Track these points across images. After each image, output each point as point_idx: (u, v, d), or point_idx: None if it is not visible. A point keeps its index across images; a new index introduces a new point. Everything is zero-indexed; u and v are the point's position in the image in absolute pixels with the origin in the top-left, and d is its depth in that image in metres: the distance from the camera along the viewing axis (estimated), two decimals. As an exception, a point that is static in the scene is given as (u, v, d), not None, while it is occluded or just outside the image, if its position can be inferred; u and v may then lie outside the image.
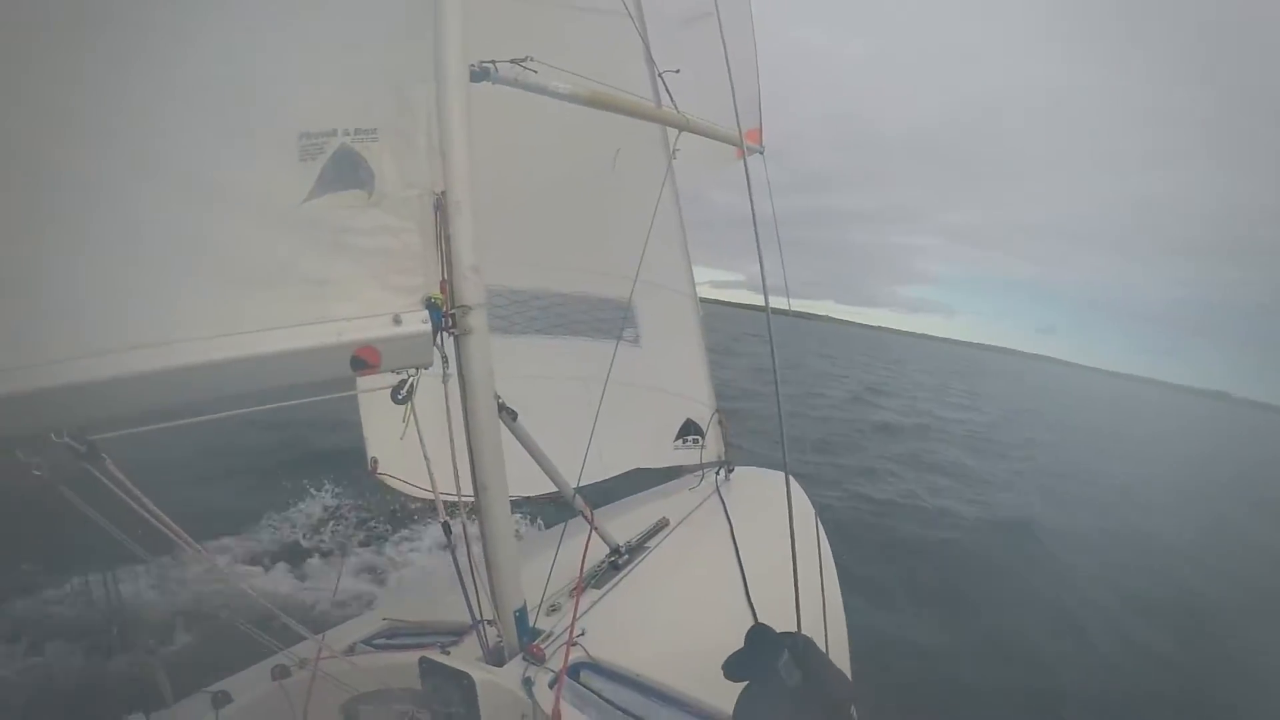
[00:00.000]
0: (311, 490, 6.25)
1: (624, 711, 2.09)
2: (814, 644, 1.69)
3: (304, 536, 5.63)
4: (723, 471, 4.43)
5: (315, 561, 5.08)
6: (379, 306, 1.79)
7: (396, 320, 1.78)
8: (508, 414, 2.26)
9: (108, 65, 1.43)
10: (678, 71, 3.45)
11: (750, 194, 3.48)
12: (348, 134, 1.74)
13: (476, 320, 1.95)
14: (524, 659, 2.13)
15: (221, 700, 2.07)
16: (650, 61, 3.51)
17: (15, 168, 1.33)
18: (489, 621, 2.17)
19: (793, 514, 3.97)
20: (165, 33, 1.51)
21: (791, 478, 4.57)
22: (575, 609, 2.40)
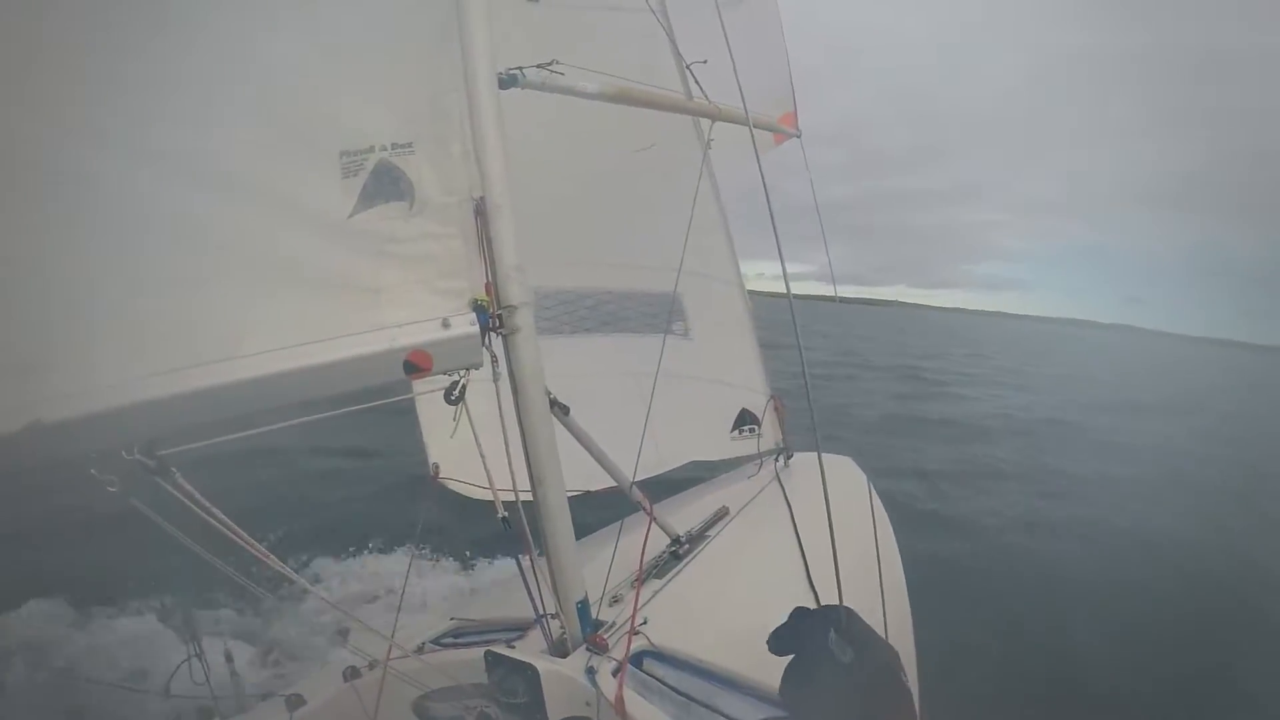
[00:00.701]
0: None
1: (687, 697, 2.11)
2: (855, 615, 1.70)
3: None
4: (781, 458, 4.42)
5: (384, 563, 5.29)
6: (428, 311, 1.85)
7: (445, 324, 1.84)
8: (559, 409, 2.30)
9: (164, 83, 1.52)
10: (705, 62, 3.45)
11: (811, 183, 3.46)
12: (385, 149, 1.81)
13: (523, 319, 2.00)
14: (587, 649, 2.15)
15: (295, 703, 2.15)
16: (677, 54, 3.52)
17: (80, 192, 1.41)
18: (552, 615, 2.20)
19: (859, 500, 3.94)
20: (213, 53, 1.59)
21: (852, 461, 4.53)
22: (636, 598, 2.42)
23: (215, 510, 1.54)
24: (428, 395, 2.06)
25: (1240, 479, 12.35)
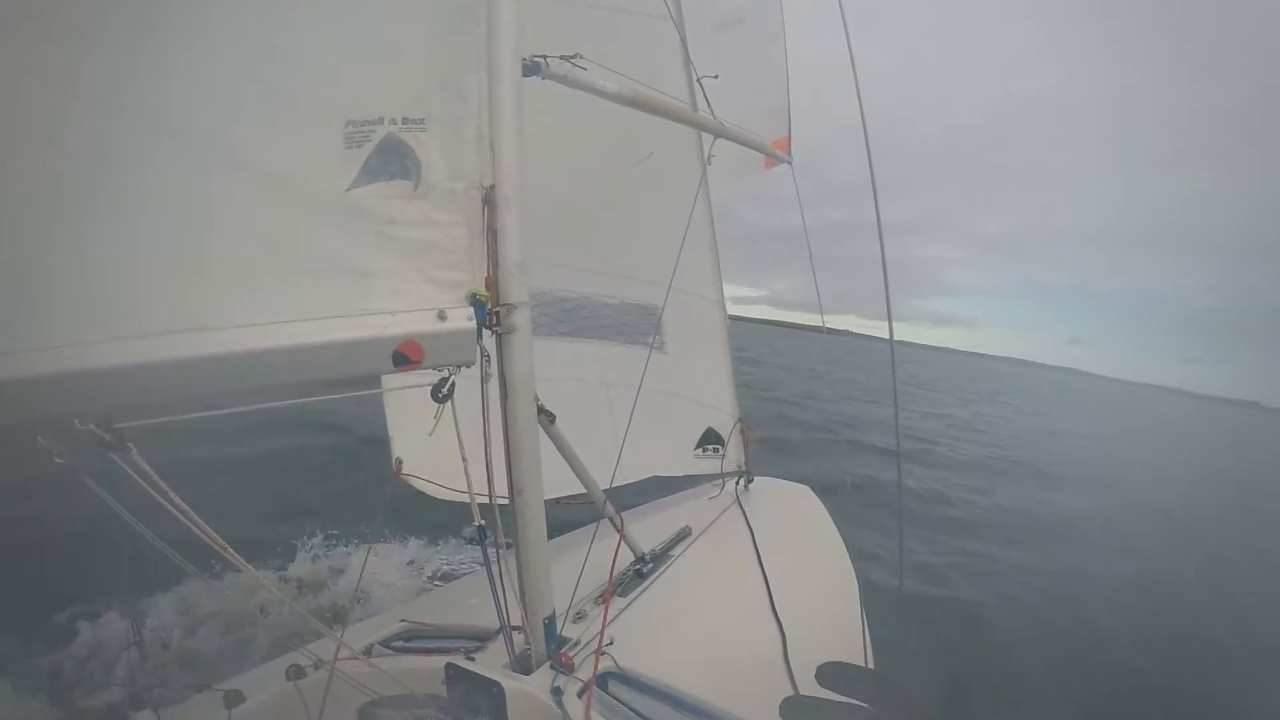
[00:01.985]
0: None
1: None
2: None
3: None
4: (742, 481, 4.40)
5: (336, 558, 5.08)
6: (422, 301, 1.74)
7: (441, 316, 1.72)
8: (546, 416, 2.21)
9: (155, 42, 1.40)
10: (716, 77, 3.41)
11: (801, 209, 3.45)
12: (395, 123, 1.70)
13: (521, 319, 1.90)
14: (552, 667, 2.08)
15: (234, 699, 2.01)
16: (689, 65, 3.47)
17: (47, 138, 1.29)
18: (515, 628, 2.11)
19: (818, 527, 3.96)
20: (212, 10, 1.47)
21: (810, 490, 4.57)
22: (605, 616, 2.35)
23: (172, 494, 1.41)
24: (395, 389, 1.96)
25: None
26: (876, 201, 2.70)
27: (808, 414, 17.23)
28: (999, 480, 13.36)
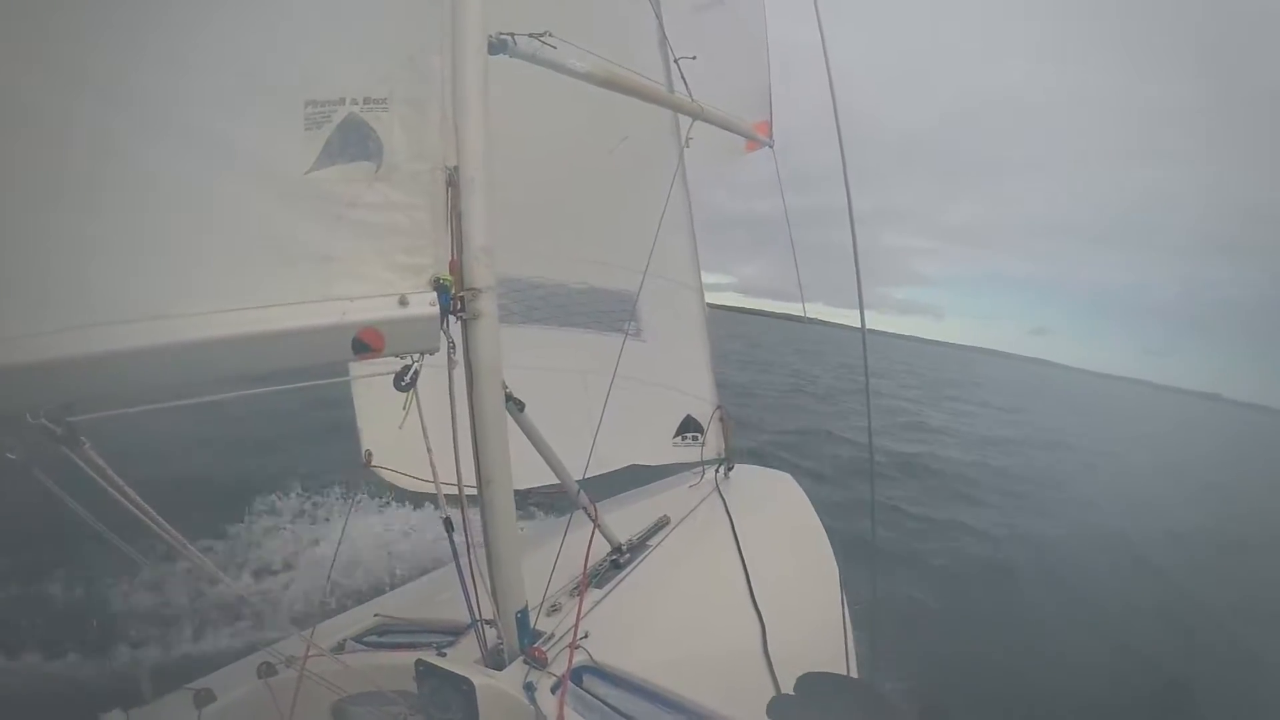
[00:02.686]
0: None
1: (629, 718, 2.01)
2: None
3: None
4: (722, 469, 4.37)
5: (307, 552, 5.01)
6: (384, 286, 1.69)
7: (403, 301, 1.68)
8: (515, 404, 2.17)
9: (109, 19, 1.35)
10: (694, 58, 3.36)
11: (783, 195, 3.41)
12: (356, 103, 1.64)
13: (486, 304, 1.85)
14: (525, 662, 2.04)
15: (205, 698, 1.97)
16: (666, 45, 3.41)
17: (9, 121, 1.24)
18: (488, 622, 2.07)
19: (799, 515, 3.94)
20: None
21: (791, 478, 4.56)
22: (579, 609, 2.31)
23: (128, 489, 1.38)
24: (364, 379, 1.92)
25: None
26: (849, 194, 2.67)
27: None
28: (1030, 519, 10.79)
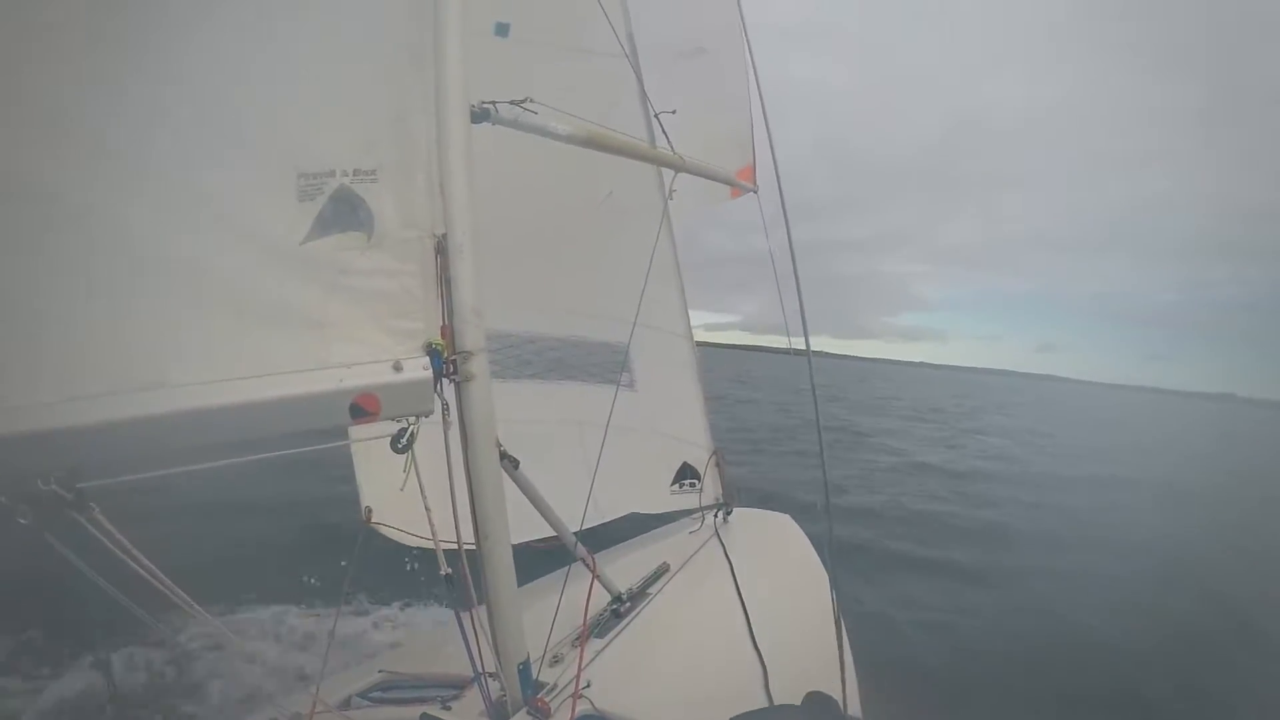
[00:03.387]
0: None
1: None
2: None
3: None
4: (721, 513, 4.37)
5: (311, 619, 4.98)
6: (378, 351, 1.74)
7: (397, 367, 1.72)
8: (509, 462, 2.20)
9: (106, 87, 1.41)
10: (674, 112, 3.44)
11: (766, 233, 3.47)
12: (346, 174, 1.71)
13: (478, 366, 1.89)
14: (528, 713, 2.05)
15: None
16: (646, 102, 3.50)
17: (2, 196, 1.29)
18: (491, 674, 2.08)
19: (799, 557, 3.94)
20: (162, 66, 1.48)
21: (790, 519, 4.55)
22: (581, 660, 2.32)
23: (137, 553, 1.41)
24: (362, 440, 1.96)
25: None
26: (787, 219, 2.72)
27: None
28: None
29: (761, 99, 3.67)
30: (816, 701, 2.13)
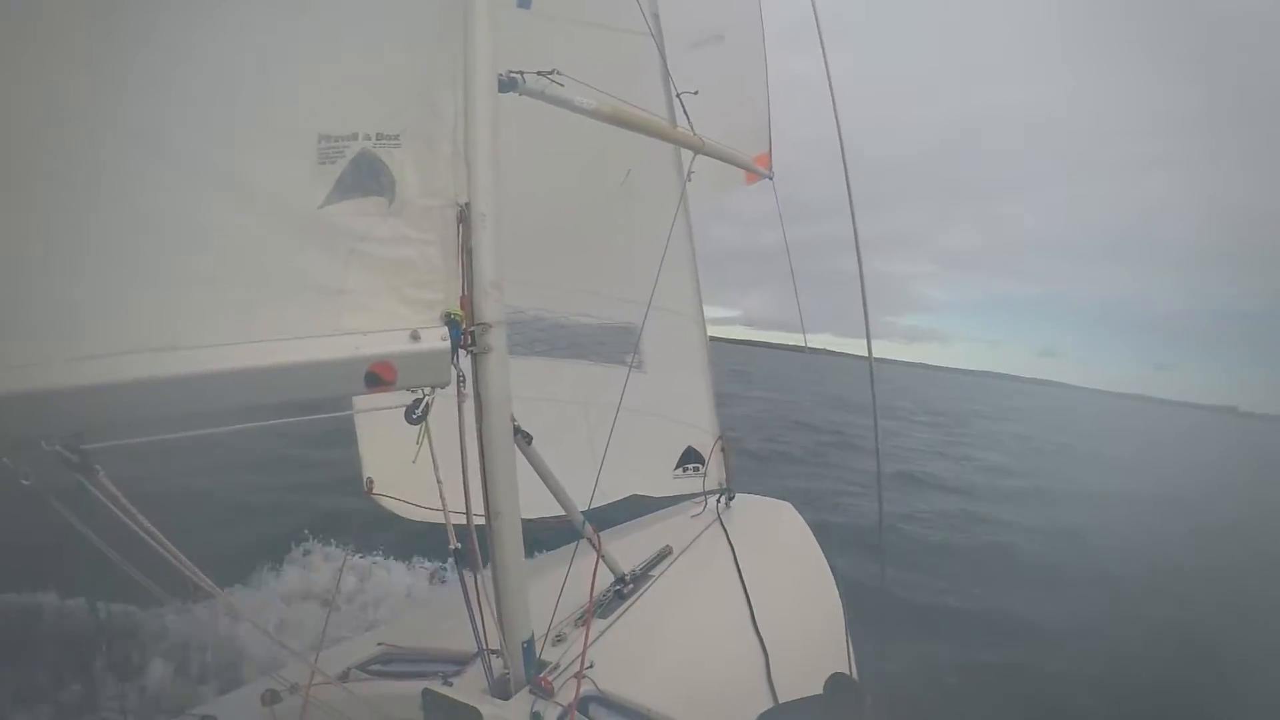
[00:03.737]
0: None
1: None
2: None
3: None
4: (723, 499, 4.37)
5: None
6: (395, 320, 1.71)
7: (415, 336, 1.69)
8: (523, 437, 2.17)
9: (122, 52, 1.37)
10: (696, 93, 3.40)
11: (783, 225, 3.44)
12: (369, 138, 1.67)
13: (496, 339, 1.86)
14: (531, 692, 2.04)
15: None
16: (669, 81, 3.46)
17: (17, 154, 1.26)
18: (494, 651, 2.07)
19: (800, 544, 3.95)
20: (183, 23, 1.45)
21: (791, 507, 4.56)
22: (586, 640, 2.31)
23: (140, 517, 1.37)
24: (364, 403, 1.94)
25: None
26: (855, 225, 2.70)
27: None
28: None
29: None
30: (840, 685, 2.13)
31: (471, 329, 1.81)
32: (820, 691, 2.18)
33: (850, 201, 2.84)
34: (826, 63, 2.91)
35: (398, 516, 3.14)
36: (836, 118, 2.89)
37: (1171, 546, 11.41)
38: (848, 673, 2.79)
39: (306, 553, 5.50)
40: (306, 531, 5.69)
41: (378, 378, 1.61)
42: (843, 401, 26.55)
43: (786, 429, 18.66)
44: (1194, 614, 7.89)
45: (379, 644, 2.57)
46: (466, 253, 1.82)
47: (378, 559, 5.35)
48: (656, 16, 3.43)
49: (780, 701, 2.54)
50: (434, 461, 1.76)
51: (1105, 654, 6.33)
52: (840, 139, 2.89)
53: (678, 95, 3.41)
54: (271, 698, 2.07)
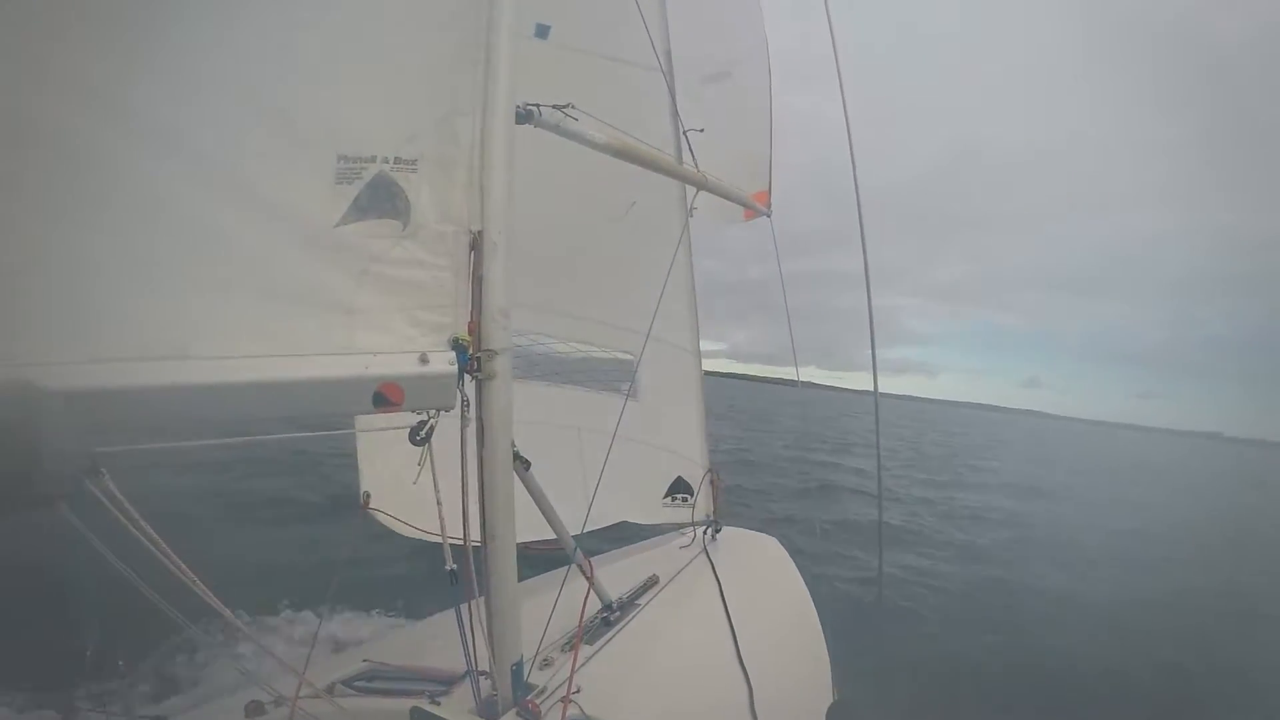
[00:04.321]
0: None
1: None
2: None
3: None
4: (710, 530, 4.38)
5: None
6: (403, 341, 1.74)
7: (423, 359, 1.72)
8: (521, 464, 2.19)
9: (145, 53, 1.38)
10: (701, 130, 3.47)
11: (779, 262, 3.49)
12: (387, 161, 1.71)
13: (501, 365, 1.88)
14: (518, 715, 2.05)
15: None
16: (676, 118, 3.53)
17: (36, 150, 1.27)
18: (482, 672, 2.08)
19: (784, 579, 3.97)
20: (207, 29, 1.47)
21: (777, 541, 4.58)
22: (574, 664, 2.32)
23: (143, 523, 1.36)
24: (365, 421, 1.94)
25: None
26: (866, 258, 2.75)
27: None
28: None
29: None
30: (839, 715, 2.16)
31: (478, 355, 1.83)
32: None
33: (863, 237, 2.89)
34: (845, 102, 2.96)
35: (387, 534, 3.13)
36: (852, 154, 2.94)
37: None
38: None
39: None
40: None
41: (385, 398, 1.63)
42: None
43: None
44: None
45: (365, 660, 2.56)
46: (477, 280, 1.84)
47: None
48: (669, 54, 3.50)
49: None
50: (435, 483, 1.77)
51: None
52: (855, 179, 2.94)
53: (684, 132, 3.47)
54: (255, 709, 2.07)
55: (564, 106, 2.29)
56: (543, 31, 3.13)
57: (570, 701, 2.14)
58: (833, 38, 3.05)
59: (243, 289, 1.53)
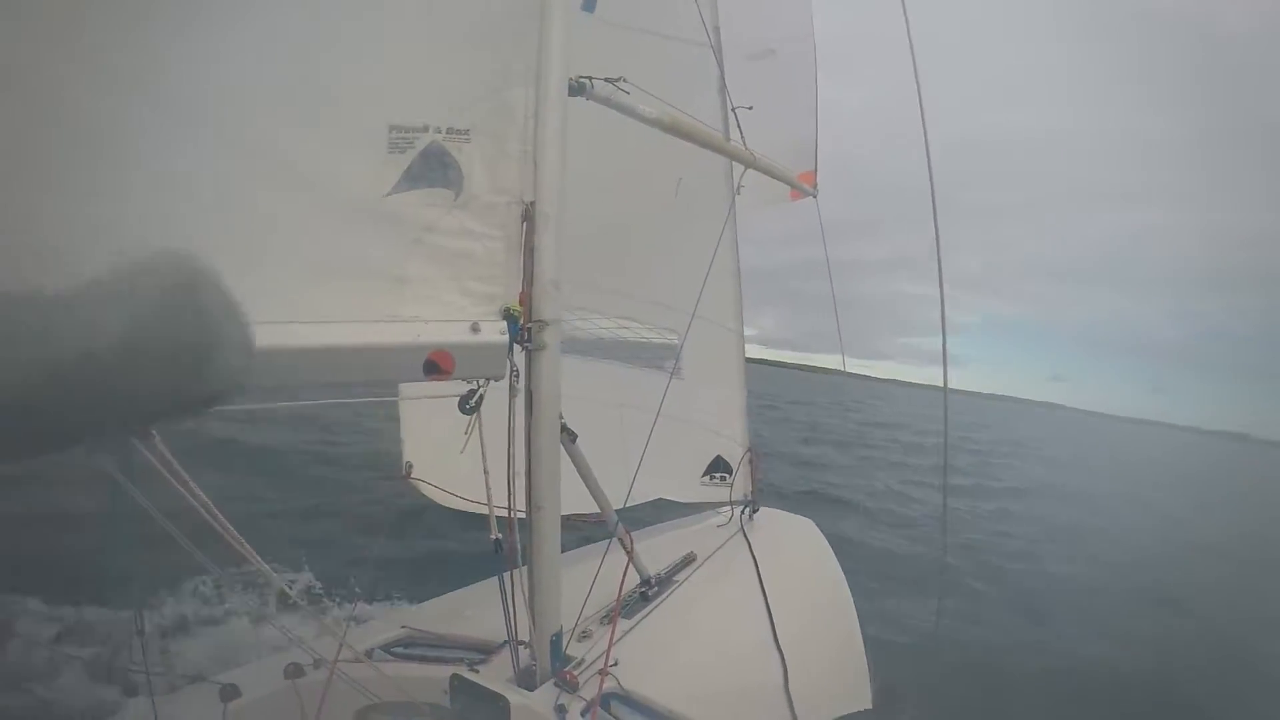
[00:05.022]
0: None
1: None
2: None
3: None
4: (747, 510, 4.36)
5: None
6: (454, 311, 1.75)
7: (475, 328, 1.73)
8: (568, 435, 2.20)
9: (196, 38, 1.37)
10: (750, 108, 3.42)
11: (824, 243, 3.45)
12: (439, 131, 1.71)
13: (551, 337, 1.89)
14: (556, 685, 2.06)
15: (230, 693, 1.97)
16: (725, 94, 3.48)
17: (94, 132, 1.25)
18: (522, 642, 2.10)
19: (821, 562, 3.96)
20: (258, 9, 1.47)
21: (814, 524, 4.55)
22: (612, 637, 2.33)
23: (193, 485, 1.36)
24: (407, 390, 1.96)
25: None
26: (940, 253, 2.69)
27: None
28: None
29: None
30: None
31: (529, 325, 1.84)
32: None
33: (936, 229, 2.84)
34: (919, 83, 2.91)
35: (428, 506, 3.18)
36: (926, 135, 2.88)
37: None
38: (869, 694, 2.80)
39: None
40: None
41: (436, 366, 1.64)
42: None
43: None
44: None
45: (403, 626, 2.60)
46: (529, 251, 1.85)
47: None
48: (718, 30, 3.45)
49: (796, 714, 2.57)
50: (483, 452, 1.78)
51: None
52: (930, 170, 2.89)
53: (733, 109, 3.43)
54: (295, 671, 2.09)
55: (616, 80, 2.27)
56: (590, 5, 3.10)
57: (607, 674, 2.15)
58: (908, 27, 3.00)
59: (295, 257, 1.55)
